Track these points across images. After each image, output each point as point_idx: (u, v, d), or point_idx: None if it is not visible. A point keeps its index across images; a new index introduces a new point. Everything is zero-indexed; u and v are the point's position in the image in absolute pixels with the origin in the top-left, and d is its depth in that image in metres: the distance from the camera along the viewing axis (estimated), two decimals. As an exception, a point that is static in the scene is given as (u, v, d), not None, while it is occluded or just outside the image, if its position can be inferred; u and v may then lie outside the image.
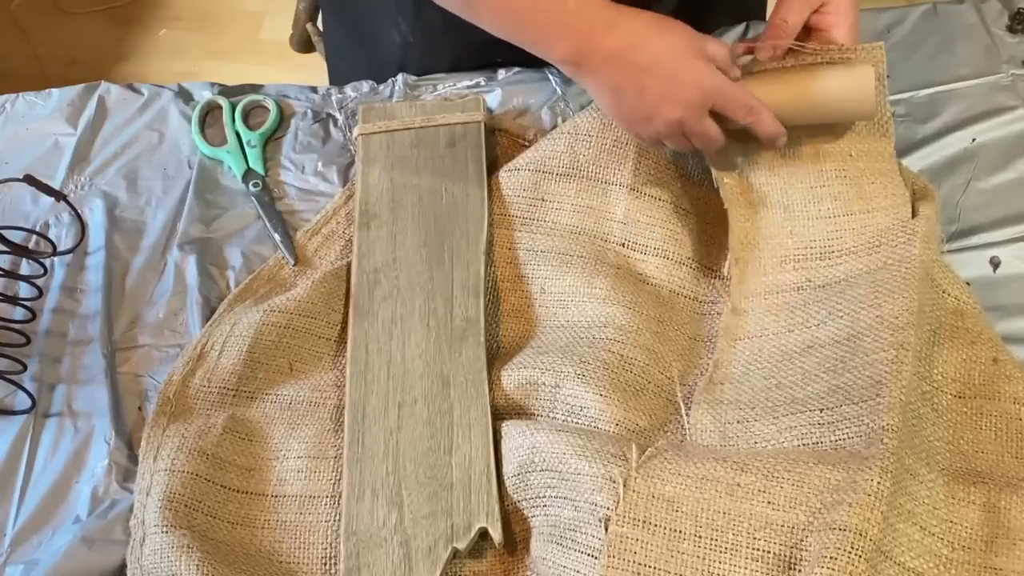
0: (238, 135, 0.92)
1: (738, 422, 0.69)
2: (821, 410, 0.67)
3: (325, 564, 0.70)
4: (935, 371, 0.71)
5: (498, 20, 0.75)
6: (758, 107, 0.74)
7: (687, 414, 0.72)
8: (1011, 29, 0.94)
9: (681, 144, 0.75)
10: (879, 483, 0.59)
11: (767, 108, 0.74)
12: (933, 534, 0.61)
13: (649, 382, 0.73)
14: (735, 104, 0.73)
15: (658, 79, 0.71)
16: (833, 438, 0.65)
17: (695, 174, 0.83)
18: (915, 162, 0.86)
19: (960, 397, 0.71)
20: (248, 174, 0.90)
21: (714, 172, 0.79)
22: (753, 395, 0.71)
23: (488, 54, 0.95)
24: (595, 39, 0.71)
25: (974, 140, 0.87)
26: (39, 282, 0.83)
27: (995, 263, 0.81)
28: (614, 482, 0.63)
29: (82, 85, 0.97)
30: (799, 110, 0.76)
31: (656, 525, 0.61)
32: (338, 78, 1.07)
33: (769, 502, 0.61)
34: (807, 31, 0.77)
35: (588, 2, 0.72)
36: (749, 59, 0.77)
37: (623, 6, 0.73)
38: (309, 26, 1.87)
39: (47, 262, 0.85)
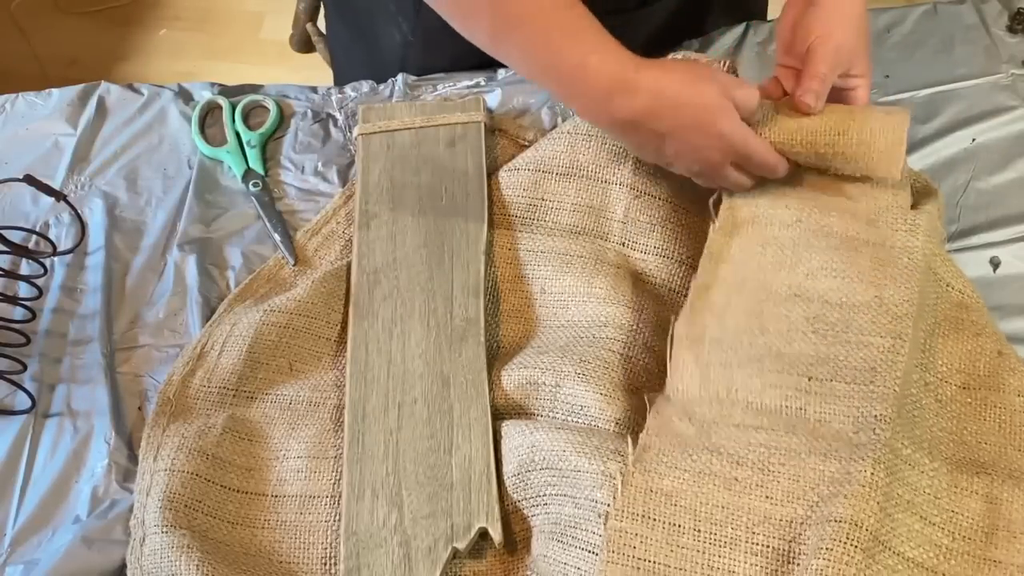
0: (238, 135, 0.92)
1: (720, 364, 0.68)
2: (809, 378, 0.66)
3: (325, 564, 0.70)
4: (939, 362, 0.71)
5: (521, 63, 0.74)
6: (777, 164, 0.73)
7: (670, 355, 0.71)
8: (1011, 29, 0.94)
9: (706, 183, 0.76)
10: (872, 474, 0.59)
11: (785, 162, 0.73)
12: (934, 524, 0.61)
13: (651, 382, 0.73)
14: (756, 163, 0.72)
15: (677, 143, 0.71)
16: (818, 410, 0.65)
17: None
18: (915, 162, 0.86)
19: (964, 388, 0.71)
20: (248, 174, 0.90)
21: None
22: (736, 336, 0.70)
23: (488, 55, 0.95)
24: (613, 105, 0.69)
25: (974, 140, 0.87)
26: (39, 282, 0.83)
27: (995, 263, 0.81)
28: (613, 478, 0.63)
29: (82, 85, 0.97)
30: (817, 162, 0.75)
31: (655, 520, 0.61)
32: (342, 78, 1.07)
33: (767, 496, 0.61)
34: (832, 91, 0.76)
35: (609, 61, 0.68)
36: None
37: (648, 61, 0.70)
38: (309, 26, 1.87)
39: (47, 262, 0.85)
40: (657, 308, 0.78)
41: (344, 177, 0.90)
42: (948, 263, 0.76)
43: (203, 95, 0.96)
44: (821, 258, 0.72)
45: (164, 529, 0.68)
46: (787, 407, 0.66)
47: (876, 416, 0.63)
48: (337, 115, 0.94)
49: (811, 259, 0.72)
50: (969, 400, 0.70)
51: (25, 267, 0.86)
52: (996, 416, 0.70)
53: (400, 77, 0.96)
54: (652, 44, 0.94)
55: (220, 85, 0.98)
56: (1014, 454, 0.68)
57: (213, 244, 0.87)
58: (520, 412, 0.74)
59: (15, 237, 0.83)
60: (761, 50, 0.96)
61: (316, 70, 1.85)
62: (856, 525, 0.57)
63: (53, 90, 0.97)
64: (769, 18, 1.01)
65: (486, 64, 0.96)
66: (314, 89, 0.97)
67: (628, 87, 0.69)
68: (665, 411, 0.68)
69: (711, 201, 0.78)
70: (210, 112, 0.95)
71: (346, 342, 0.78)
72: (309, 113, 0.94)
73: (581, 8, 0.70)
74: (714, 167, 0.72)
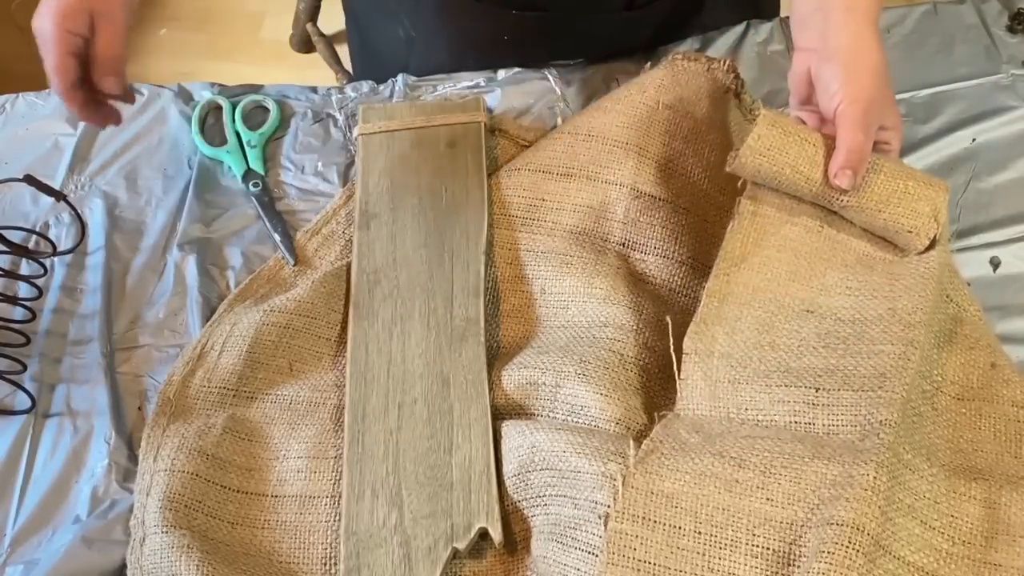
0: (238, 135, 0.92)
1: (728, 382, 0.69)
2: (817, 389, 0.66)
3: (325, 564, 0.70)
4: (935, 372, 0.71)
5: None
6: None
7: (679, 369, 0.70)
8: (1011, 29, 0.94)
9: None
10: (875, 477, 0.59)
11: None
12: (933, 528, 0.61)
13: (650, 381, 0.73)
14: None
15: None
16: (826, 421, 0.65)
17: (695, 174, 0.83)
18: (915, 162, 0.86)
19: (959, 399, 0.71)
20: (248, 174, 0.90)
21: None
22: (745, 351, 0.70)
23: (490, 51, 0.95)
24: None
25: (974, 140, 0.87)
26: (39, 282, 0.83)
27: (995, 263, 0.81)
28: (613, 479, 0.63)
29: (82, 85, 0.97)
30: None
31: (655, 521, 0.61)
32: (357, 73, 1.08)
33: (768, 499, 0.61)
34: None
35: None
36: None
37: None
38: (309, 26, 1.86)
39: (47, 262, 0.85)
40: (657, 308, 0.78)
41: (344, 177, 0.90)
42: (953, 274, 0.76)
43: (203, 95, 0.96)
44: (836, 275, 0.72)
45: (164, 529, 0.68)
46: (796, 423, 0.66)
47: (881, 421, 0.63)
48: (337, 115, 0.94)
49: (826, 274, 0.72)
50: (964, 410, 0.70)
51: (25, 267, 0.86)
52: (991, 426, 0.70)
53: (400, 77, 0.96)
54: (656, 37, 0.95)
55: (220, 85, 0.98)
56: (1011, 461, 0.68)
57: (213, 244, 0.87)
58: (520, 412, 0.74)
59: (15, 237, 0.83)
60: (761, 50, 0.96)
61: (316, 70, 1.84)
62: (858, 529, 0.57)
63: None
64: (779, 15, 1.00)
65: (487, 62, 0.96)
66: (314, 89, 0.97)
67: None
68: (673, 425, 0.68)
69: (739, 184, 0.75)
70: (210, 112, 0.95)
71: (346, 342, 0.78)
72: (309, 113, 0.94)
73: None
74: None
